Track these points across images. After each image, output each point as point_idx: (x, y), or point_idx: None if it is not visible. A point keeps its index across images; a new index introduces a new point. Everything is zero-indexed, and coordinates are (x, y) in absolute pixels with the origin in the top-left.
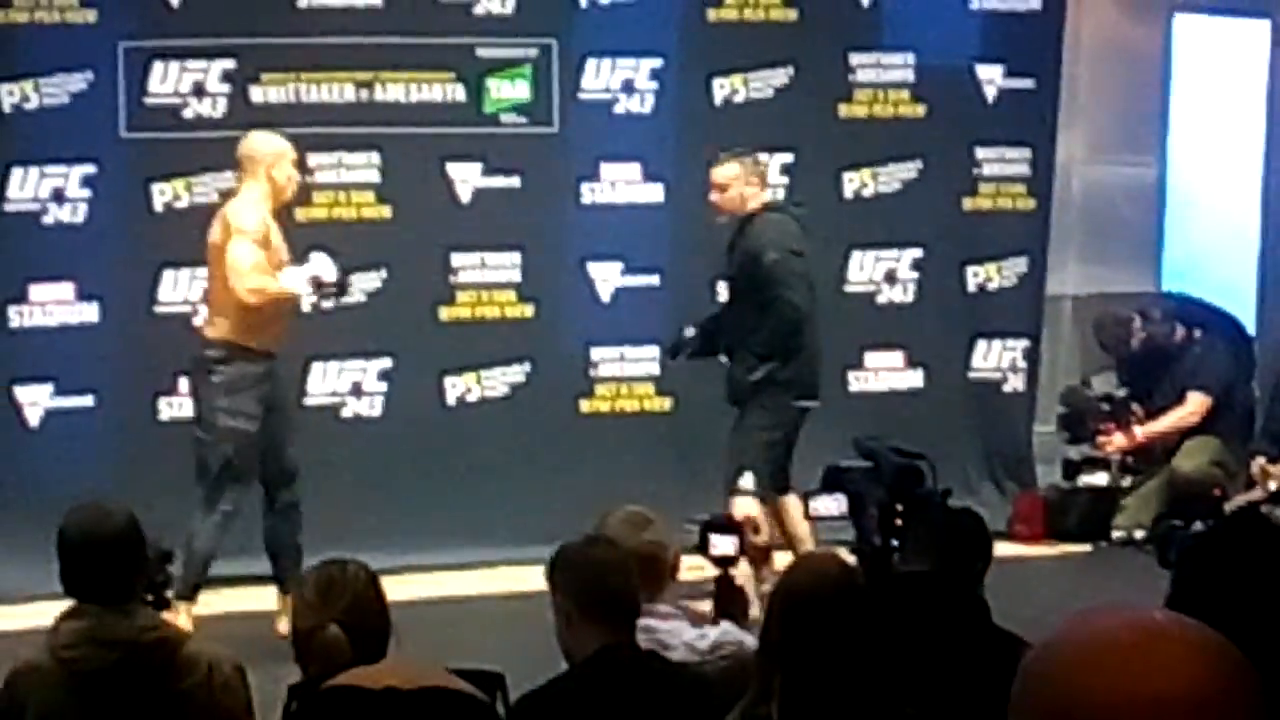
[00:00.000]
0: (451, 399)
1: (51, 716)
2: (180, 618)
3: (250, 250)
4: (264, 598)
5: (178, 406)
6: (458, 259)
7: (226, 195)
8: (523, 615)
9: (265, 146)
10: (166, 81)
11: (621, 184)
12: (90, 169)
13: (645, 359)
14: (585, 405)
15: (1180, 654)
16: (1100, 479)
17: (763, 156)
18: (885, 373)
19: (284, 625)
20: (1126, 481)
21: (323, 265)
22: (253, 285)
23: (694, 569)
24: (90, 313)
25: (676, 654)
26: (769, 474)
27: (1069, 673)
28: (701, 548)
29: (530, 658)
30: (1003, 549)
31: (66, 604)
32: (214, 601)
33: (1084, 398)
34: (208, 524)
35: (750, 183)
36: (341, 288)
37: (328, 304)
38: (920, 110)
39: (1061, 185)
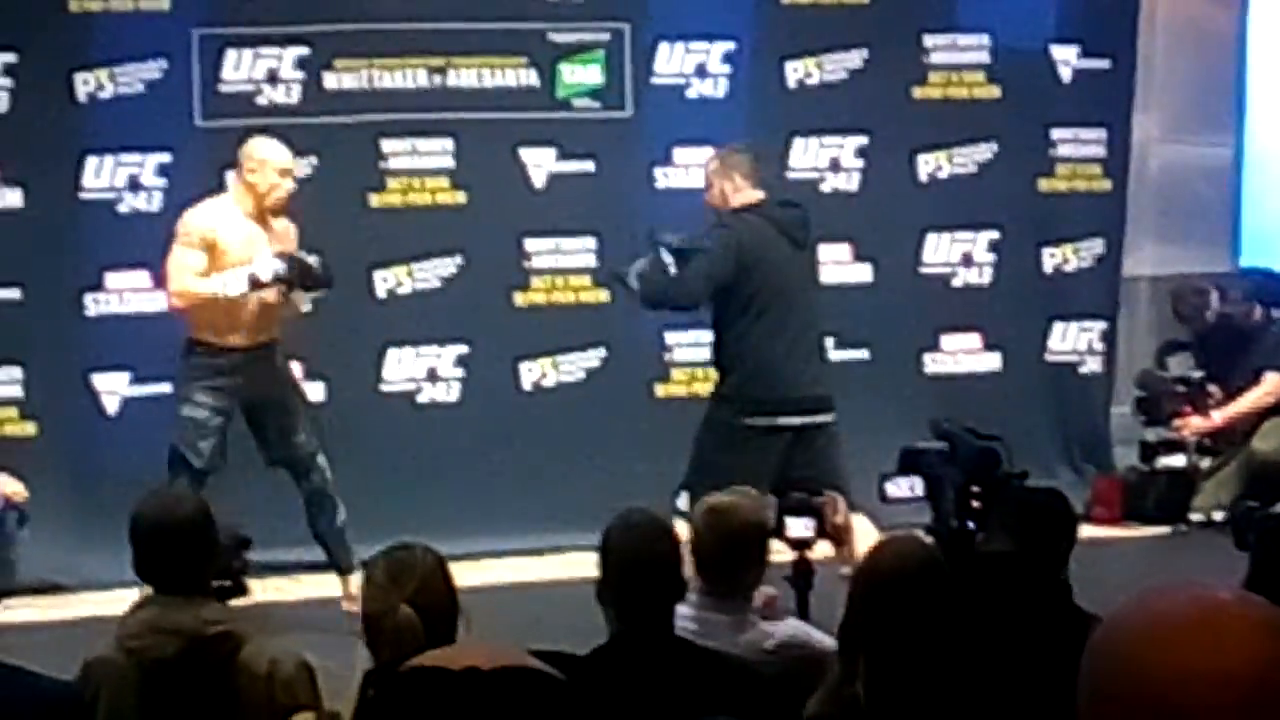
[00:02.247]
0: (527, 384)
1: (120, 707)
2: None
3: (181, 253)
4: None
5: None
6: (532, 244)
7: (302, 183)
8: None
9: (253, 152)
10: (240, 69)
11: (695, 168)
12: (165, 157)
13: None
14: (660, 390)
15: (1244, 631)
16: (1178, 461)
17: (742, 152)
18: (962, 355)
19: (350, 605)
20: (1205, 463)
21: (263, 264)
22: (175, 288)
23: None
24: (166, 301)
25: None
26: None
27: (1134, 648)
28: (778, 530)
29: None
30: (1080, 531)
31: (144, 592)
32: (289, 588)
33: (1160, 380)
34: None
35: (729, 178)
36: (309, 281)
37: (305, 306)
38: (995, 91)
39: (1137, 165)
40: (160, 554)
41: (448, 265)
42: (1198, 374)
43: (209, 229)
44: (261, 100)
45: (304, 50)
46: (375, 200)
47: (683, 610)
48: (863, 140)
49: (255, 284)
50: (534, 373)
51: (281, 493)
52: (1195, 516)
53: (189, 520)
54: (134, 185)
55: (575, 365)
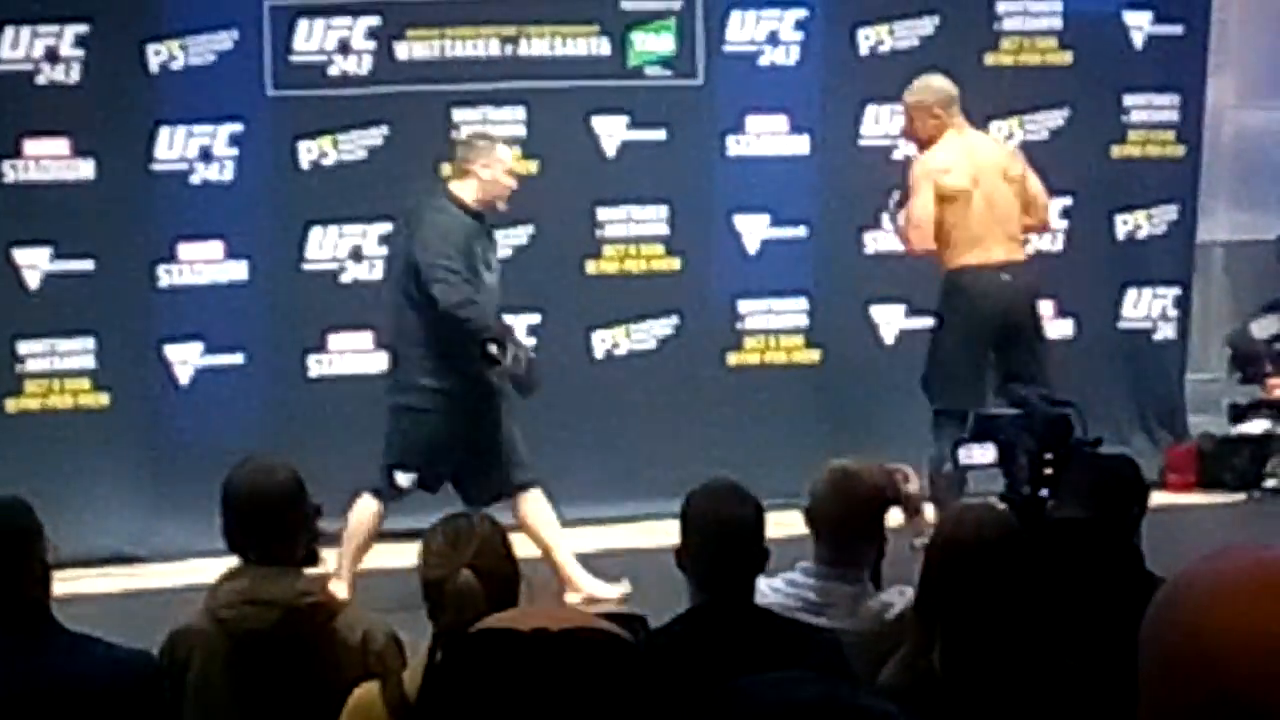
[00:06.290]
0: (599, 353)
1: (209, 677)
2: None
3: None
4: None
5: (326, 364)
6: (604, 213)
7: (373, 153)
8: (670, 569)
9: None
10: (312, 39)
11: (767, 136)
12: (237, 127)
13: (793, 311)
14: (733, 358)
15: None
16: (1258, 427)
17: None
18: None
19: None
20: None
21: None
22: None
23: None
24: (239, 271)
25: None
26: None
27: (1196, 608)
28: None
29: (677, 611)
30: (1155, 498)
31: (221, 560)
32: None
33: (1251, 339)
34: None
35: (491, 165)
36: None
37: None
38: (1067, 58)
39: (1211, 131)
40: (256, 524)
41: (519, 234)
42: None
43: None
44: (333, 70)
45: (375, 20)
46: (447, 170)
47: (803, 580)
48: None
49: None
50: (606, 341)
51: (347, 461)
52: (1270, 484)
53: (284, 489)
54: (206, 156)
55: (647, 334)
